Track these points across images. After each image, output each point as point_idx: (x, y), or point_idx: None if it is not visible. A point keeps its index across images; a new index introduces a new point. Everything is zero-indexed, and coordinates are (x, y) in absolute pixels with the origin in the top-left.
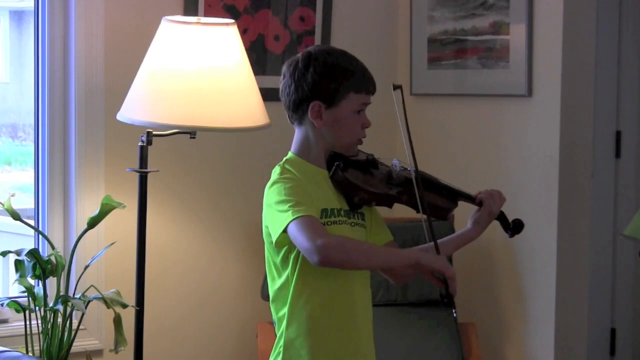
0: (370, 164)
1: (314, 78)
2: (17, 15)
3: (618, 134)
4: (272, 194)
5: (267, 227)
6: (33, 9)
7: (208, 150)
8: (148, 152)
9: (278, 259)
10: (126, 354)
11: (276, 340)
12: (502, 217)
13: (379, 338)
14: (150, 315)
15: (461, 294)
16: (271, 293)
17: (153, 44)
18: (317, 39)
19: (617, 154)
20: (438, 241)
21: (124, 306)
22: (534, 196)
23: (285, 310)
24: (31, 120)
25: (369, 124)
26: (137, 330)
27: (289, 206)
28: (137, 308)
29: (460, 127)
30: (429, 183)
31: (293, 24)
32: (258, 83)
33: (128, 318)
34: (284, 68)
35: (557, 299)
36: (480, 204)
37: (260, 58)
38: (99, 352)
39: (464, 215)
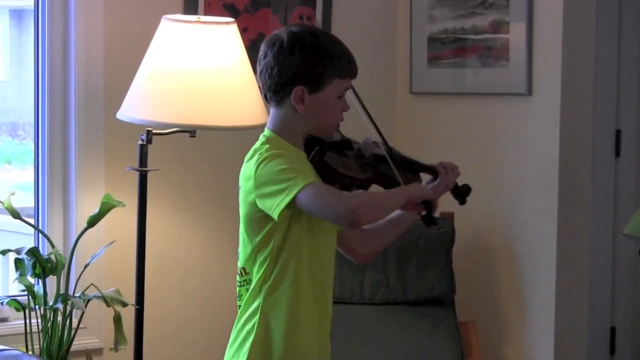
0: (345, 145)
1: (300, 62)
2: (17, 14)
3: (618, 133)
4: (267, 167)
5: (250, 203)
6: (33, 7)
7: (208, 148)
8: (148, 150)
9: (258, 239)
10: (126, 352)
11: (248, 312)
12: (454, 186)
13: (379, 337)
14: (150, 313)
15: (461, 293)
16: (249, 269)
17: (153, 43)
18: None
19: (617, 153)
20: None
21: (124, 305)
22: (534, 195)
23: (263, 285)
24: (31, 118)
25: (347, 108)
26: (137, 328)
27: (294, 174)
28: (137, 307)
29: (460, 126)
30: (398, 158)
31: (293, 23)
32: (257, 82)
33: (128, 317)
34: (265, 47)
35: (557, 297)
36: (437, 174)
37: None
38: (98, 351)
39: (462, 211)
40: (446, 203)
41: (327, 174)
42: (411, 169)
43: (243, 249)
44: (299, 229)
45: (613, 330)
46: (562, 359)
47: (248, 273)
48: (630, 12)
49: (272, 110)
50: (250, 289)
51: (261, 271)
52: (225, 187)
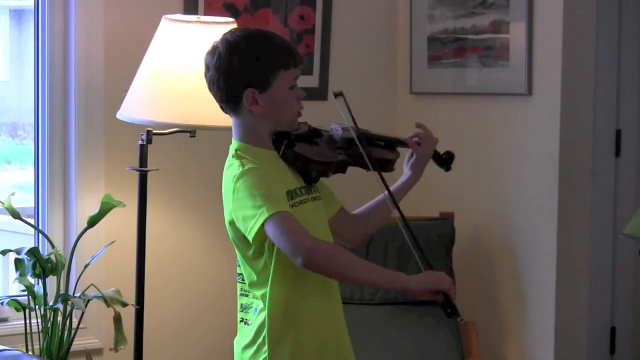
0: (314, 134)
1: (241, 67)
2: (17, 14)
3: (618, 133)
4: (241, 190)
5: (231, 222)
6: (33, 7)
7: (208, 149)
8: (148, 150)
9: (250, 251)
10: (126, 352)
11: (257, 327)
12: (435, 156)
13: (379, 337)
14: (150, 313)
15: (461, 293)
16: (248, 282)
17: (153, 43)
18: (317, 38)
19: (617, 153)
20: (389, 193)
21: (124, 305)
22: (534, 195)
23: (265, 293)
24: (31, 118)
25: (303, 96)
26: (137, 328)
27: (262, 201)
28: (137, 307)
29: (460, 126)
30: (369, 139)
31: (293, 23)
32: None
33: (128, 317)
34: (207, 59)
35: (557, 297)
36: (416, 146)
37: None
38: (98, 351)
39: (462, 211)
40: (446, 203)
41: (301, 164)
42: (388, 145)
43: (240, 258)
44: None
45: (613, 330)
46: (562, 359)
47: (245, 282)
48: (631, 12)
49: (232, 120)
50: (255, 300)
51: (261, 275)
52: None
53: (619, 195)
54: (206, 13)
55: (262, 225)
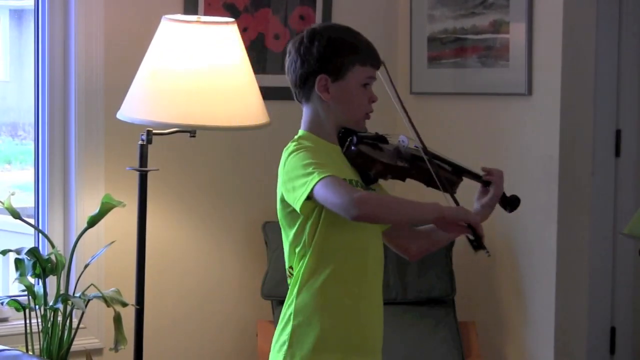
0: (380, 139)
1: (319, 51)
2: (17, 14)
3: (618, 133)
4: (292, 162)
5: (282, 199)
6: (33, 7)
7: (208, 149)
8: (148, 150)
9: (292, 232)
10: (126, 352)
11: (285, 308)
12: (502, 195)
13: None
14: (150, 313)
15: (461, 293)
16: (287, 264)
17: (153, 43)
18: None
19: (617, 153)
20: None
21: (124, 305)
22: (534, 195)
23: (299, 274)
24: (31, 119)
25: (375, 98)
26: (137, 328)
27: (313, 168)
28: (137, 307)
29: (460, 126)
30: (436, 159)
31: (293, 23)
32: (258, 82)
33: (128, 317)
34: (289, 45)
35: (557, 297)
36: (488, 184)
37: (260, 57)
38: (98, 351)
39: None
40: (446, 203)
41: (362, 162)
42: (455, 171)
43: (285, 247)
44: (331, 219)
45: (613, 330)
46: (562, 359)
47: (293, 271)
48: (631, 12)
49: (303, 109)
50: (292, 281)
51: (299, 264)
52: (225, 187)
53: (619, 195)
54: (206, 13)
55: (312, 189)
